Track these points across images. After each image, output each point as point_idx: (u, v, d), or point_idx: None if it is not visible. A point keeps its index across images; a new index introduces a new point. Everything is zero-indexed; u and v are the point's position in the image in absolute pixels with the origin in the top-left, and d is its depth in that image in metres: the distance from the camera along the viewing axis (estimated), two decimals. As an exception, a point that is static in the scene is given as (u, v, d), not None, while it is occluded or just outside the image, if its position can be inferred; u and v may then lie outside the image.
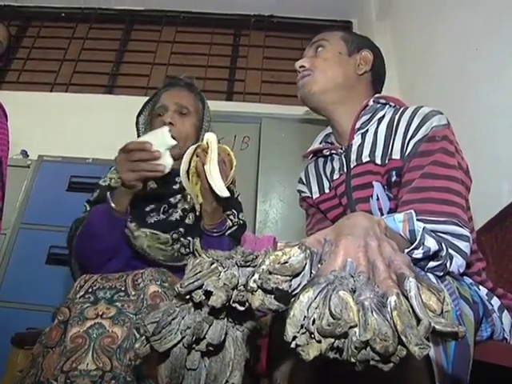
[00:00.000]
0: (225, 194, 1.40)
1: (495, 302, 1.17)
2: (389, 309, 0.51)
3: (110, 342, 1.08)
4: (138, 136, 1.73)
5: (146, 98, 1.90)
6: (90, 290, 1.18)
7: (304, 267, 0.57)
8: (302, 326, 0.52)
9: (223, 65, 4.39)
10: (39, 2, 4.58)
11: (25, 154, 3.39)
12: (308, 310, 0.52)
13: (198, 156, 1.47)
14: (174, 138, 1.46)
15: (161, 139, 1.41)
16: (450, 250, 0.98)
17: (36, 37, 4.50)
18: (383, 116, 1.33)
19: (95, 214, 1.46)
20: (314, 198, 1.49)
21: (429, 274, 0.94)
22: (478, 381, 0.91)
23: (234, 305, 0.62)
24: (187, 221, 1.59)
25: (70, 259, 1.60)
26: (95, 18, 4.59)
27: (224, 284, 0.61)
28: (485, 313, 1.06)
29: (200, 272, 0.64)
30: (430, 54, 2.75)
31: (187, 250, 1.55)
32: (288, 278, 0.55)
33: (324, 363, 0.84)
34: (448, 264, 0.96)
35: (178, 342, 0.66)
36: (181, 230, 1.56)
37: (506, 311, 1.18)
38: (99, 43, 4.46)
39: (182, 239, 1.54)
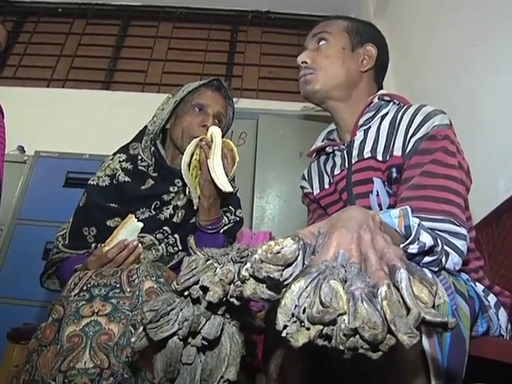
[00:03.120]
0: (228, 188, 1.41)
1: (492, 299, 1.17)
2: (379, 299, 0.52)
3: (106, 340, 1.07)
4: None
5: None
6: (85, 288, 1.17)
7: (296, 257, 0.57)
8: (292, 315, 0.52)
9: (220, 61, 4.39)
10: (36, -3, 4.58)
11: (21, 149, 3.40)
12: (299, 299, 0.53)
13: (201, 148, 1.48)
14: None
15: (131, 230, 1.43)
16: (447, 248, 0.98)
17: (32, 32, 4.49)
18: (386, 113, 1.33)
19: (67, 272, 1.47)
20: (315, 193, 1.49)
21: (425, 269, 0.94)
22: (473, 376, 0.92)
23: (231, 299, 0.62)
24: (175, 219, 1.60)
25: (47, 276, 1.63)
26: (92, 13, 4.59)
27: (220, 279, 0.61)
28: (481, 308, 1.06)
29: (195, 268, 0.65)
30: (428, 51, 2.75)
31: (175, 248, 1.57)
32: (280, 267, 0.55)
33: (319, 358, 0.85)
34: (443, 259, 0.96)
35: (174, 334, 0.66)
36: (166, 229, 1.57)
37: (502, 308, 1.18)
38: (96, 39, 4.46)
39: (168, 238, 1.56)
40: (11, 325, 1.96)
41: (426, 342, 0.80)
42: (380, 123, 1.31)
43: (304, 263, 0.59)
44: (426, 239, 0.91)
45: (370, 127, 1.34)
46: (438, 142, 1.13)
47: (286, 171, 3.33)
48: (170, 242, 1.56)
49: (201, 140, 1.50)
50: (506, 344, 1.09)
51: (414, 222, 0.90)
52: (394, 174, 1.21)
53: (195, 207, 1.53)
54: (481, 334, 1.07)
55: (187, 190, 1.55)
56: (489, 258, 1.59)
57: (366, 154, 1.30)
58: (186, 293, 0.65)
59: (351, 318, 0.50)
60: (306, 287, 0.53)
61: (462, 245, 1.02)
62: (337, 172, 1.40)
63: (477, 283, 1.18)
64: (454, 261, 1.00)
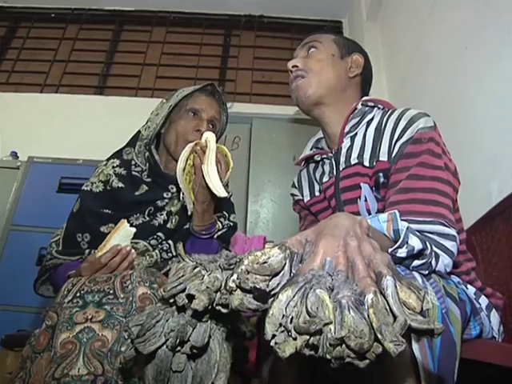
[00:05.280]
0: (223, 194, 1.40)
1: (483, 301, 1.18)
2: (366, 306, 0.52)
3: (100, 346, 1.06)
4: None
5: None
6: (78, 294, 1.16)
7: (283, 267, 0.58)
8: (280, 325, 0.52)
9: (214, 65, 4.39)
10: (29, 3, 4.56)
11: (15, 155, 3.38)
12: (286, 308, 0.53)
13: (196, 153, 1.48)
14: None
15: (124, 236, 1.42)
16: (437, 250, 0.98)
17: (26, 38, 4.47)
18: (372, 119, 1.34)
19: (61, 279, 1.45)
20: (306, 201, 1.51)
21: (414, 272, 0.94)
22: (466, 378, 0.92)
23: (217, 307, 0.62)
24: (169, 225, 1.60)
25: (41, 282, 1.63)
26: (85, 18, 4.57)
27: (207, 287, 0.61)
28: (472, 311, 1.06)
29: (183, 276, 0.65)
30: (420, 54, 2.76)
31: (169, 254, 1.56)
32: (267, 277, 0.55)
33: (313, 363, 0.85)
34: (433, 262, 0.96)
35: (162, 345, 0.67)
36: (160, 235, 1.57)
37: (494, 310, 1.18)
38: (89, 44, 4.45)
39: (162, 244, 1.56)
40: (5, 331, 1.96)
41: (416, 347, 0.80)
42: (366, 129, 1.33)
43: (292, 272, 0.59)
44: (415, 243, 0.91)
45: (356, 134, 1.35)
46: (424, 145, 1.14)
47: (279, 175, 3.33)
48: (164, 248, 1.56)
49: (195, 145, 1.50)
50: (499, 346, 1.09)
51: (403, 225, 0.91)
52: (382, 179, 1.22)
53: (189, 213, 1.53)
54: (474, 337, 1.07)
55: (181, 195, 1.55)
56: (482, 260, 1.60)
57: (353, 160, 1.31)
58: (171, 300, 0.65)
59: (338, 327, 0.50)
60: (293, 296, 0.53)
61: (451, 246, 1.02)
62: (325, 180, 1.41)
63: (468, 285, 1.18)
64: (444, 262, 1.00)
